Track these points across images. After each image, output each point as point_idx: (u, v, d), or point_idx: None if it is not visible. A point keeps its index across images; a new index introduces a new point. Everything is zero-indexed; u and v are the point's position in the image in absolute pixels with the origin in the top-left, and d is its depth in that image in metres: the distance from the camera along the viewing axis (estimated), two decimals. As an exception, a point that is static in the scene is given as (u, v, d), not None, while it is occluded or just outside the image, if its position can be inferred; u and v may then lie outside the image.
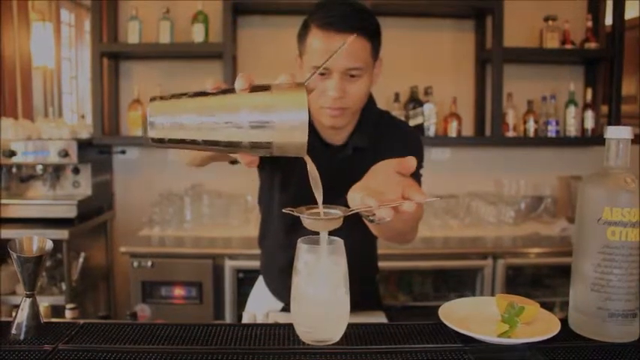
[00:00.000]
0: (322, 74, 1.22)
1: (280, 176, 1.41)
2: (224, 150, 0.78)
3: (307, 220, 0.88)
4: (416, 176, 1.39)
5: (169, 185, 3.05)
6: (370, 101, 1.40)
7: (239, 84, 0.75)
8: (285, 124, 0.74)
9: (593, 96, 3.07)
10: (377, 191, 0.87)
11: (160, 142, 0.76)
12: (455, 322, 0.93)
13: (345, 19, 1.21)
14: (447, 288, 2.83)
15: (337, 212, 0.88)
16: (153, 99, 0.76)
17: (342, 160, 1.36)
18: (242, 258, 2.56)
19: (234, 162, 1.39)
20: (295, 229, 1.39)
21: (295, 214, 0.88)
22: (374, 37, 1.27)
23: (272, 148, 0.75)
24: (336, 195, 1.27)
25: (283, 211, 0.89)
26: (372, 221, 0.93)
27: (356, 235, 1.28)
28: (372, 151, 1.34)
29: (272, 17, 3.02)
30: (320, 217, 0.88)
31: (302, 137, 0.74)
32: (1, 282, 2.63)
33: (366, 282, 1.57)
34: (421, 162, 1.42)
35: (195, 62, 3.06)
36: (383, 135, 1.39)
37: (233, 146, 0.76)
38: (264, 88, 0.76)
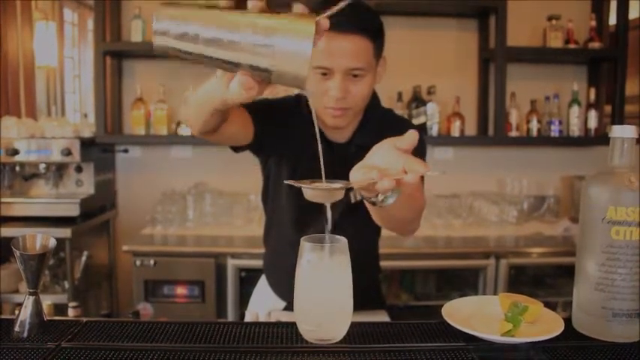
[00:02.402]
0: (324, 74, 1.22)
1: (287, 171, 1.41)
2: (224, 67, 0.76)
3: (309, 192, 0.88)
4: None
5: (172, 184, 3.05)
6: (374, 99, 1.39)
7: (251, 4, 0.74)
8: (287, 50, 0.71)
9: (597, 96, 3.06)
10: (378, 167, 0.87)
11: (163, 48, 0.74)
12: (458, 321, 0.93)
13: (347, 19, 1.20)
14: (449, 287, 2.83)
15: (339, 185, 0.88)
16: (163, 5, 0.74)
17: (345, 158, 1.36)
18: (245, 257, 2.56)
19: (236, 149, 1.38)
20: (301, 226, 1.39)
21: (297, 185, 0.87)
22: (377, 36, 1.26)
23: (271, 74, 0.73)
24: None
25: (285, 182, 0.89)
26: (374, 203, 0.92)
27: (359, 233, 1.28)
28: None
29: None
30: (321, 188, 0.87)
31: (302, 68, 0.72)
32: (4, 280, 2.63)
33: (368, 281, 1.57)
34: (424, 159, 1.41)
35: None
36: (386, 133, 1.38)
37: (233, 64, 0.74)
38: (276, 13, 0.74)
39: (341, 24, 1.19)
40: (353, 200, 1.36)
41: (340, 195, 0.88)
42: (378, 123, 1.38)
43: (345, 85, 1.23)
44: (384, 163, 0.88)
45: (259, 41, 0.71)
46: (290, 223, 1.45)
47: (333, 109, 1.26)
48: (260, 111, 1.32)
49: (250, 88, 0.75)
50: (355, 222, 1.34)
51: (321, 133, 1.37)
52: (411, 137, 0.90)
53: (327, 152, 1.30)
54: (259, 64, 0.72)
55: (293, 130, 1.34)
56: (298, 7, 0.82)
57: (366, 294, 1.47)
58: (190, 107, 1.14)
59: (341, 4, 0.85)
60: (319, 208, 1.27)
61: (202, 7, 0.74)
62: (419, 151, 1.34)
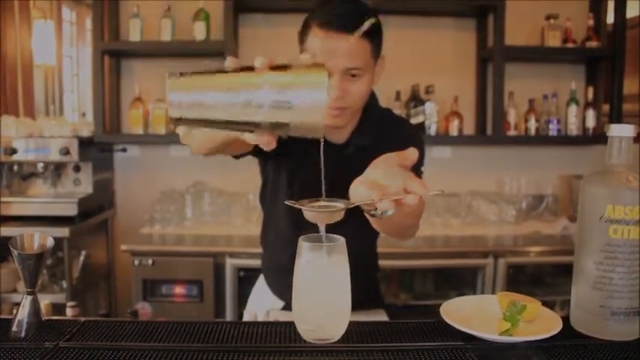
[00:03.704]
0: None
1: (286, 172, 1.41)
2: (243, 128, 0.76)
3: (309, 213, 0.88)
4: (417, 173, 1.39)
5: (170, 183, 3.05)
6: (373, 99, 1.39)
7: (258, 62, 0.74)
8: (304, 103, 0.72)
9: (595, 95, 3.07)
10: (378, 184, 0.87)
11: (179, 121, 0.74)
12: (456, 320, 0.93)
13: (345, 18, 1.20)
14: (448, 287, 2.83)
15: (339, 205, 0.88)
16: (172, 75, 0.73)
17: (344, 158, 1.36)
18: (243, 256, 2.55)
19: (237, 157, 1.38)
20: (299, 227, 1.39)
21: (297, 206, 0.88)
22: (375, 36, 1.25)
23: (289, 128, 0.74)
24: (338, 194, 1.28)
25: (285, 203, 0.89)
26: (373, 215, 0.93)
27: (357, 233, 1.28)
28: (374, 149, 1.34)
29: (273, 15, 3.02)
30: (321, 210, 0.87)
31: (319, 117, 0.73)
32: (2, 279, 2.63)
33: (367, 281, 1.57)
34: (422, 159, 1.42)
35: (197, 60, 3.05)
36: (385, 133, 1.39)
37: (251, 125, 0.74)
38: (284, 67, 0.74)
39: (340, 23, 1.19)
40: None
41: (340, 216, 0.88)
42: (376, 123, 1.38)
43: (343, 85, 1.22)
44: (385, 180, 0.88)
45: (276, 99, 0.72)
46: (287, 223, 1.44)
47: (331, 109, 1.25)
48: None
49: (269, 143, 0.77)
50: (354, 224, 1.34)
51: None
52: (413, 155, 0.92)
53: (325, 153, 1.30)
54: (278, 120, 0.73)
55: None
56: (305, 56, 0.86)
57: (364, 293, 1.48)
58: (195, 137, 1.14)
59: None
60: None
61: (212, 72, 0.74)
62: (419, 153, 1.36)
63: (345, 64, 1.20)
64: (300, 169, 1.35)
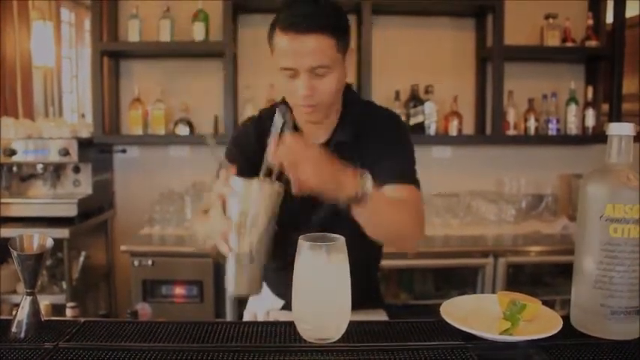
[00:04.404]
0: (291, 75, 1.24)
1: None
2: None
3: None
4: (404, 159, 1.39)
5: (170, 184, 3.04)
6: (351, 94, 1.40)
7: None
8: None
9: (594, 94, 3.06)
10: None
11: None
12: (457, 319, 0.93)
13: (307, 19, 1.21)
14: (448, 286, 2.83)
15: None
16: None
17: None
18: (243, 257, 2.55)
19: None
20: (291, 227, 1.40)
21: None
22: (339, 32, 1.26)
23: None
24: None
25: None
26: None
27: (355, 233, 1.28)
28: (356, 145, 1.36)
29: (272, 16, 3.00)
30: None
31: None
32: (1, 280, 2.62)
33: (366, 280, 1.57)
34: (412, 156, 1.40)
35: (196, 61, 3.06)
36: (367, 128, 1.40)
37: None
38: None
39: (300, 24, 1.21)
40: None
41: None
42: (357, 118, 1.39)
43: (311, 84, 1.24)
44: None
45: None
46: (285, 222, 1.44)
47: (303, 107, 1.28)
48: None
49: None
50: (351, 224, 1.34)
51: (302, 133, 1.38)
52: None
53: None
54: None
55: (259, 149, 1.33)
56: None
57: (364, 292, 1.48)
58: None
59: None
60: (307, 208, 1.31)
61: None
62: (393, 139, 1.38)
63: (310, 63, 1.22)
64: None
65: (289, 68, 1.23)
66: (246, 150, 1.39)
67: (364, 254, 1.52)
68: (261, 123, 1.40)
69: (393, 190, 1.31)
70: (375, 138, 1.37)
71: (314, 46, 1.20)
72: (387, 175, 1.30)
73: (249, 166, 1.25)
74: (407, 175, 1.37)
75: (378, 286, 1.66)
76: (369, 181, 1.14)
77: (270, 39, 1.29)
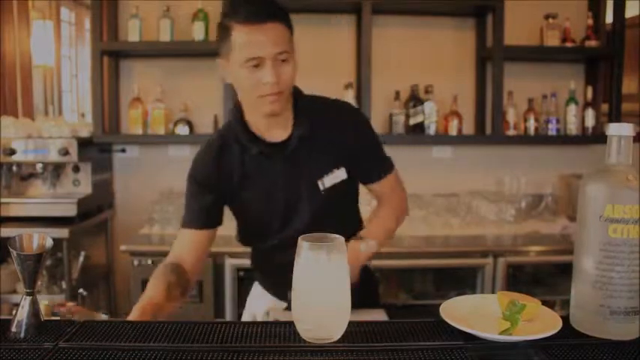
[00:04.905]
0: (256, 66, 1.28)
1: (244, 190, 1.45)
2: None
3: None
4: (374, 153, 1.48)
5: (170, 183, 3.04)
6: (295, 89, 1.44)
7: None
8: None
9: (594, 94, 3.07)
10: None
11: None
12: (456, 319, 0.93)
13: (263, 10, 1.28)
14: (447, 286, 2.83)
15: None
16: None
17: (292, 153, 1.39)
18: (242, 256, 2.53)
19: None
20: (290, 226, 1.41)
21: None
22: (289, 20, 1.34)
23: None
24: (304, 186, 1.41)
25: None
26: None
27: (340, 223, 1.33)
28: (317, 137, 1.41)
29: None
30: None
31: None
32: (1, 281, 2.62)
33: (365, 277, 1.59)
34: (378, 140, 1.50)
35: (196, 60, 3.05)
36: (323, 120, 1.43)
37: None
38: None
39: (260, 14, 1.27)
40: (322, 188, 1.41)
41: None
42: (309, 111, 1.42)
43: (276, 71, 1.28)
44: None
45: None
46: (267, 230, 1.47)
47: (270, 95, 1.30)
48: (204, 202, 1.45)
49: None
50: (334, 213, 1.43)
51: (259, 139, 1.41)
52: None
53: (271, 154, 1.37)
54: None
55: (228, 164, 1.43)
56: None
57: (360, 294, 1.50)
58: None
59: None
60: (290, 207, 1.41)
61: None
62: (360, 131, 1.46)
63: (275, 49, 1.27)
64: (251, 175, 1.41)
65: (255, 57, 1.26)
66: (208, 183, 1.44)
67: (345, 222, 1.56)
68: (216, 146, 1.44)
69: (380, 187, 1.49)
70: (337, 130, 1.42)
71: (275, 33, 1.27)
72: (369, 176, 1.48)
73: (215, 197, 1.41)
74: (385, 165, 1.50)
75: (376, 287, 1.68)
76: (370, 242, 1.39)
77: (225, 39, 1.31)
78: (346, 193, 1.48)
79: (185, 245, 1.44)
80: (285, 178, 1.40)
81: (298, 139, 1.38)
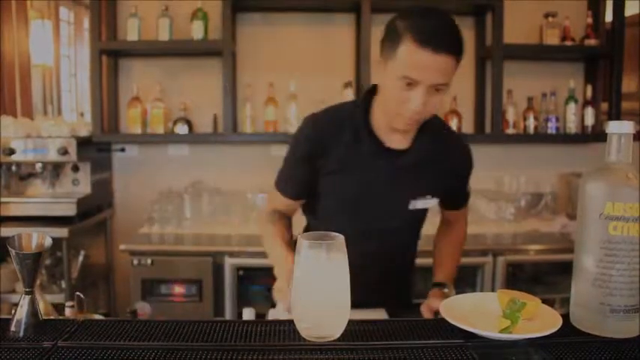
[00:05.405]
0: (409, 84, 1.22)
1: (344, 177, 1.41)
2: None
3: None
4: (465, 187, 1.56)
5: (169, 183, 3.04)
6: None
7: None
8: None
9: (593, 93, 3.06)
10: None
11: None
12: (456, 318, 0.93)
13: (441, 37, 1.20)
14: (447, 285, 2.82)
15: None
16: None
17: (405, 165, 1.37)
18: (242, 255, 2.55)
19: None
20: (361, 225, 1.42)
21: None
22: (461, 54, 1.27)
23: None
24: (397, 199, 1.42)
25: None
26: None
27: (406, 236, 1.52)
28: (431, 162, 1.39)
29: (271, 14, 3.01)
30: None
31: None
32: (0, 280, 2.62)
33: (400, 280, 1.66)
34: (471, 170, 1.54)
35: (195, 59, 3.05)
36: (442, 147, 1.42)
37: None
38: None
39: (439, 43, 1.19)
40: (411, 208, 1.45)
41: None
42: (432, 127, 1.38)
43: (426, 99, 1.23)
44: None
45: None
46: (348, 221, 1.43)
47: (409, 119, 1.27)
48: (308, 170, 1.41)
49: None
50: (409, 229, 1.54)
51: (378, 139, 1.37)
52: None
53: (385, 159, 1.34)
54: None
55: (342, 142, 1.38)
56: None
57: (395, 293, 1.65)
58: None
59: None
60: (374, 210, 1.43)
61: None
62: (467, 173, 1.52)
63: (435, 80, 1.21)
64: (350, 165, 1.38)
65: (412, 79, 1.21)
66: (330, 142, 1.38)
67: (404, 257, 1.66)
68: (322, 125, 1.40)
69: (456, 214, 1.66)
70: (450, 163, 1.45)
71: (443, 66, 1.21)
72: (454, 204, 1.62)
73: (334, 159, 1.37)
74: (468, 196, 1.61)
75: (410, 287, 1.76)
76: (450, 287, 1.59)
77: (392, 44, 1.24)
78: (425, 215, 1.57)
79: (279, 206, 1.49)
80: (384, 184, 1.38)
81: (414, 156, 1.37)
